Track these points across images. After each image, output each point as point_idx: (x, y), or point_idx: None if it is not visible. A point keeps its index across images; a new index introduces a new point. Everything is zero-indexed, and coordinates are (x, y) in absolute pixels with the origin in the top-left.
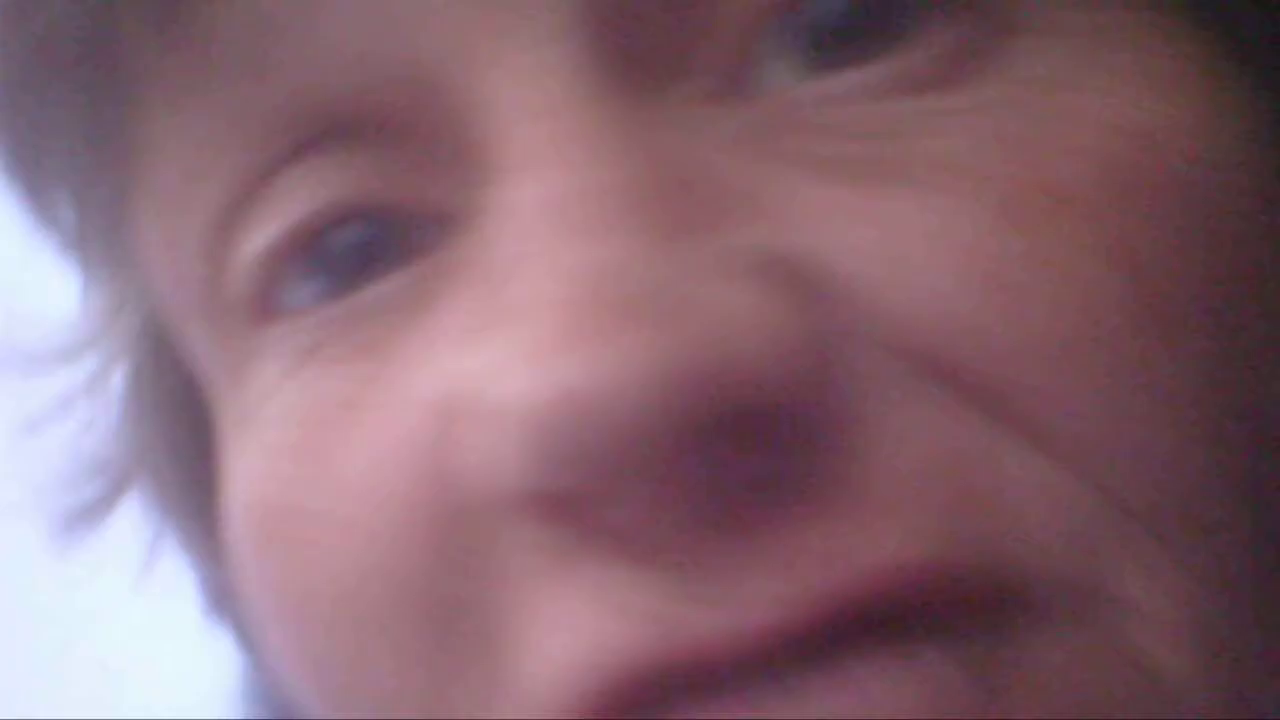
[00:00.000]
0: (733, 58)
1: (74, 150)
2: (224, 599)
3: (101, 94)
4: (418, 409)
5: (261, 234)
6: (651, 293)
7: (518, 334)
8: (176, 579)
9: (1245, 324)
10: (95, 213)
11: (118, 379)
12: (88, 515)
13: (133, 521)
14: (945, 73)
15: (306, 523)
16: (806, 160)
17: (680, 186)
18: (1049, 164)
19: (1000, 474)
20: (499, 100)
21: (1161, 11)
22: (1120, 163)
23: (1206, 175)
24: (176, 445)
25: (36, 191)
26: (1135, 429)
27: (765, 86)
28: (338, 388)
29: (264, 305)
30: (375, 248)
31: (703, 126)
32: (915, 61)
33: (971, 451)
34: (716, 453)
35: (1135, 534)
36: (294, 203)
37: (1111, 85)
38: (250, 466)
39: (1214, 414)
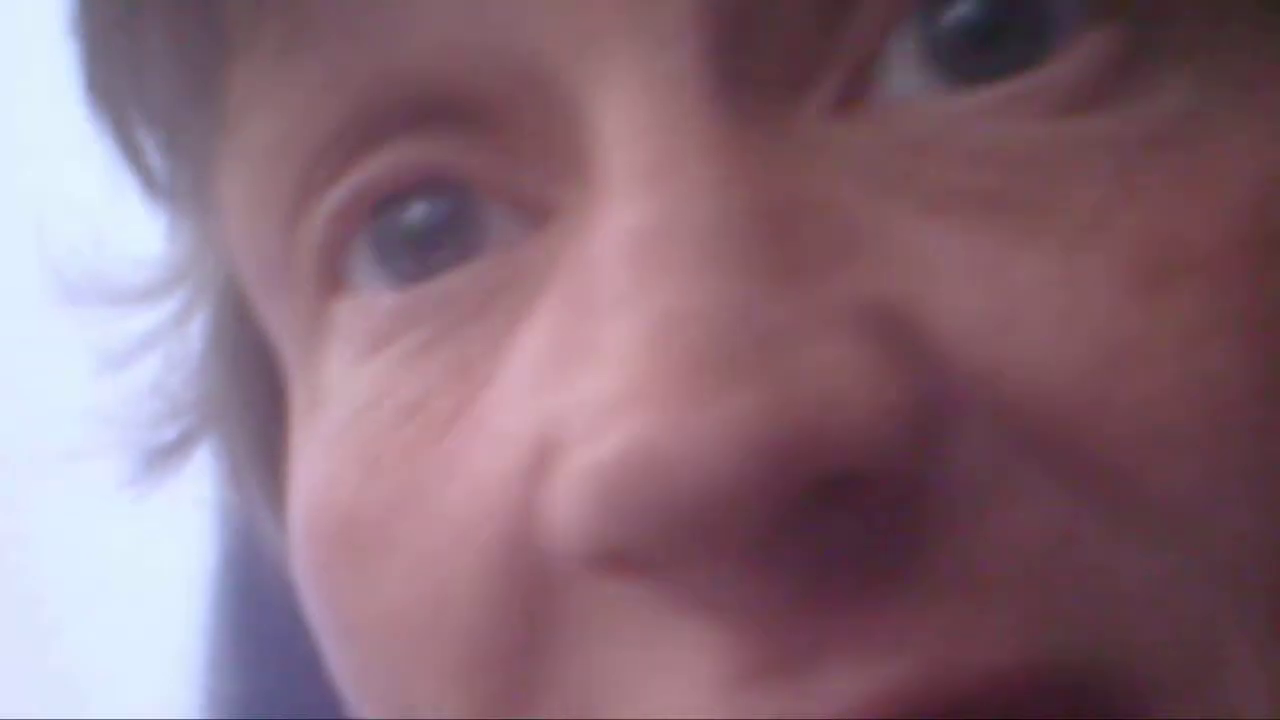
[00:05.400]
0: (861, 63)
1: (166, 97)
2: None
3: (198, 45)
4: (511, 447)
5: (335, 194)
6: (746, 346)
7: (603, 381)
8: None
9: None
10: (184, 162)
11: (197, 325)
12: (166, 457)
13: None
14: (1089, 94)
15: (377, 539)
16: (930, 193)
17: (788, 222)
18: (1192, 225)
19: (1113, 568)
20: (607, 106)
21: None
22: (1266, 226)
23: None
24: (249, 402)
25: (127, 134)
26: (1270, 519)
27: (894, 96)
28: (411, 391)
29: (333, 276)
30: (448, 230)
31: (823, 146)
32: (1057, 78)
33: (1083, 542)
34: (804, 522)
35: (1256, 622)
36: (371, 168)
37: (1256, 132)
38: (317, 465)
39: None
